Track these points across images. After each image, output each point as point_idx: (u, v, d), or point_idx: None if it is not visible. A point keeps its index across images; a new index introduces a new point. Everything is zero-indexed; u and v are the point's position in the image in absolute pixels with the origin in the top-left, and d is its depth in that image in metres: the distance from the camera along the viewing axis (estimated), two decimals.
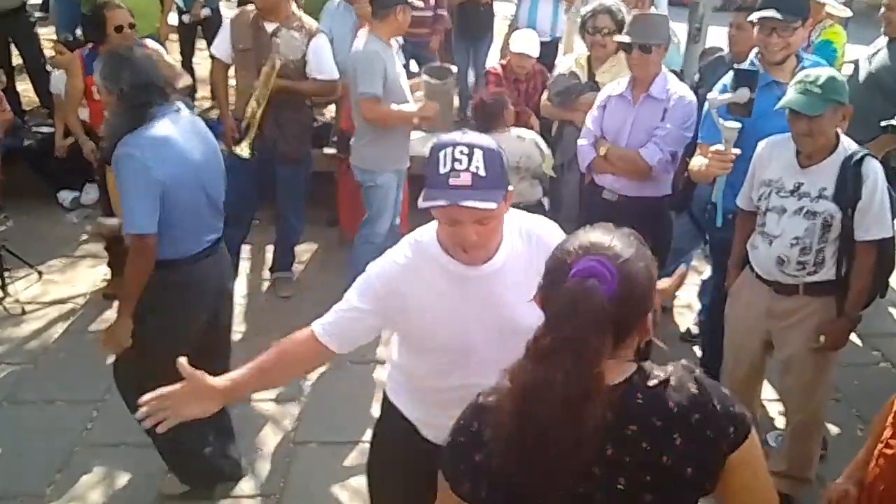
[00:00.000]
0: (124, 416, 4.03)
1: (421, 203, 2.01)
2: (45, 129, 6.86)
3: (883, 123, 3.87)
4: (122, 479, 3.66)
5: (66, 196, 6.68)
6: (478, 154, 2.00)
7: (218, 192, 3.27)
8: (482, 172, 1.99)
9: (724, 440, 1.56)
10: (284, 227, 5.39)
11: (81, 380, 4.37)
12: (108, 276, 5.42)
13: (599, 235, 1.56)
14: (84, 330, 4.92)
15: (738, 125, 3.34)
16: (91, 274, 5.64)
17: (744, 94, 3.36)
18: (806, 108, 3.04)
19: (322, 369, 4.52)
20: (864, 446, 2.33)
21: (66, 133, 6.19)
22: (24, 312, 5.09)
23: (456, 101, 7.12)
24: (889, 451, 2.16)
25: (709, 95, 3.56)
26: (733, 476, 1.58)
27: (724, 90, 3.54)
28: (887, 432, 2.20)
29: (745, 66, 3.71)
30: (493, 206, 2.00)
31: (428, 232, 2.23)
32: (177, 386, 2.11)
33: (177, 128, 3.09)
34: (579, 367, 1.43)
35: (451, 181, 1.97)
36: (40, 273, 5.50)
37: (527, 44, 5.67)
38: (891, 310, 5.21)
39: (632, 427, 1.52)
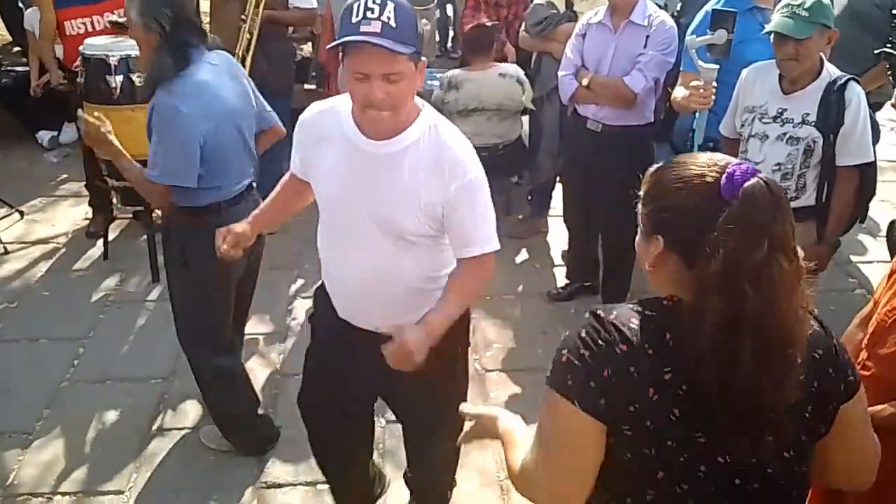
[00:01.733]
0: (110, 353, 4.10)
1: (328, 45, 2.04)
2: (19, 69, 6.75)
3: (877, 51, 3.86)
4: (110, 414, 3.68)
5: (44, 136, 6.61)
6: (390, 6, 2.03)
7: (251, 134, 3.21)
8: (393, 24, 2.01)
9: (842, 382, 1.50)
10: (268, 161, 5.33)
11: (65, 318, 4.38)
12: (90, 215, 5.40)
13: (709, 154, 1.46)
14: (67, 269, 4.92)
15: (716, 66, 3.34)
16: (73, 213, 5.61)
17: (721, 35, 3.36)
18: (794, 31, 3.02)
19: (305, 303, 4.54)
20: None
21: (41, 72, 6.09)
22: (6, 252, 5.08)
23: (436, 33, 7.03)
24: (866, 373, 2.18)
25: (687, 37, 3.54)
26: (844, 428, 1.52)
27: (702, 32, 3.50)
28: (862, 354, 2.23)
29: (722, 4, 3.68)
30: (402, 51, 2.02)
31: (345, 101, 2.25)
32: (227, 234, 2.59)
33: (214, 71, 3.00)
34: (794, 268, 1.36)
35: (363, 28, 2.00)
36: (22, 213, 5.46)
37: None
38: (867, 237, 5.26)
39: (818, 351, 1.47)
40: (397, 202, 2.22)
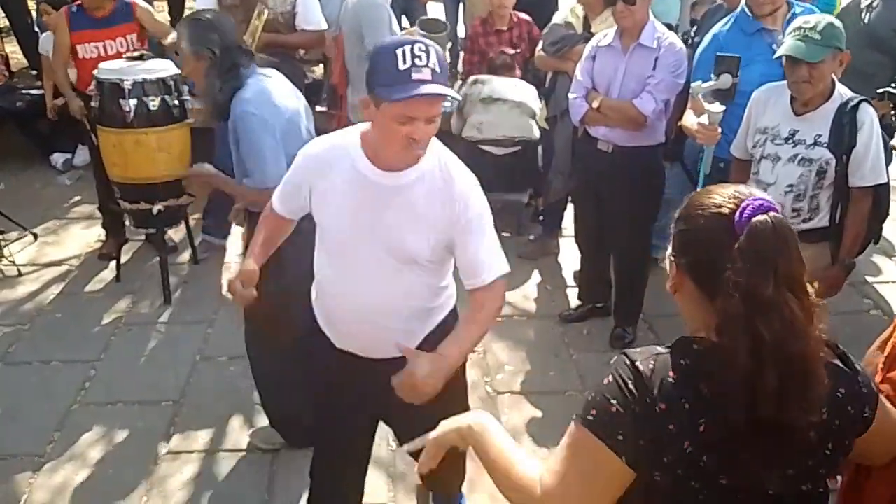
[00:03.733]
0: (121, 376, 4.10)
1: (391, 97, 2.05)
2: (34, 92, 6.81)
3: (880, 91, 3.86)
4: (120, 436, 3.68)
5: (58, 158, 6.66)
6: (433, 52, 2.09)
7: (311, 135, 3.29)
8: (438, 69, 2.08)
9: (861, 420, 1.55)
10: None
11: (77, 340, 4.39)
12: (103, 237, 5.42)
13: (734, 186, 1.51)
14: (80, 291, 4.93)
15: (722, 108, 3.36)
16: (85, 235, 5.63)
17: (726, 80, 3.39)
18: (806, 54, 3.03)
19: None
20: None
21: (56, 94, 6.15)
22: (19, 274, 5.09)
23: (448, 57, 7.06)
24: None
25: (692, 84, 3.55)
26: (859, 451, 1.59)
27: (706, 77, 3.51)
28: (877, 377, 2.21)
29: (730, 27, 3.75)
30: (452, 95, 2.12)
31: (351, 135, 2.33)
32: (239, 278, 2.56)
33: (271, 82, 3.14)
34: (804, 307, 1.40)
35: (415, 76, 2.04)
36: (35, 235, 5.49)
37: None
38: (882, 258, 5.22)
39: (841, 390, 1.50)
40: (411, 230, 2.27)
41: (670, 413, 1.42)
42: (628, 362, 1.48)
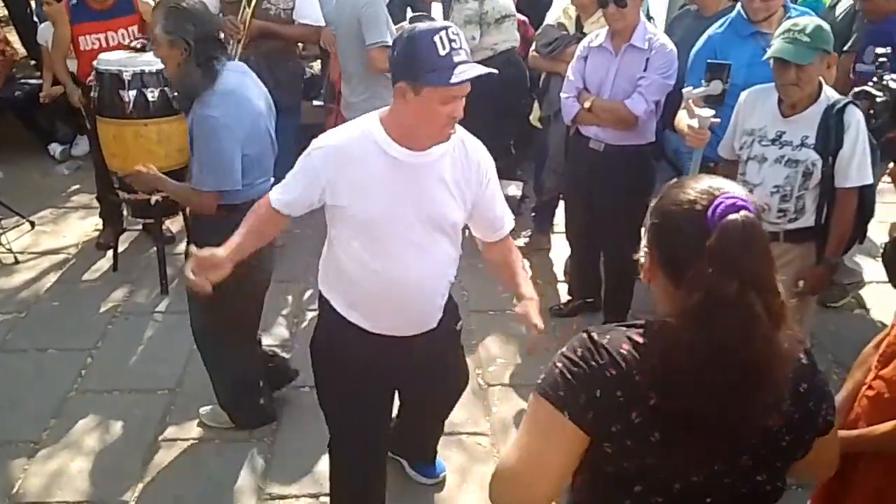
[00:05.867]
0: (117, 364, 4.15)
1: (443, 82, 2.23)
2: (32, 81, 6.84)
3: (856, 90, 3.93)
4: (116, 424, 3.73)
5: (56, 148, 6.69)
6: (461, 35, 2.31)
7: (273, 136, 3.37)
8: (468, 49, 2.32)
9: (820, 417, 1.58)
10: (277, 179, 5.40)
11: (74, 328, 4.44)
12: (100, 227, 5.46)
13: (709, 179, 1.52)
14: (77, 280, 4.97)
15: (711, 112, 3.40)
16: (82, 225, 5.67)
17: (717, 86, 3.41)
18: (795, 56, 3.06)
19: (312, 315, 4.59)
20: (842, 389, 2.39)
21: (54, 84, 6.18)
22: (16, 262, 5.14)
23: None
24: (871, 392, 2.21)
25: (684, 90, 3.59)
26: (817, 453, 1.61)
27: (697, 82, 3.56)
28: (870, 375, 2.26)
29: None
30: (493, 72, 2.33)
31: (366, 126, 2.46)
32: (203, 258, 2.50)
33: (241, 79, 3.17)
34: (770, 308, 1.41)
35: (455, 59, 2.24)
36: (33, 223, 5.52)
37: None
38: (865, 258, 5.28)
39: (804, 385, 1.54)
40: (449, 199, 2.51)
41: (619, 380, 1.46)
42: (586, 335, 1.54)
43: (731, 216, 1.40)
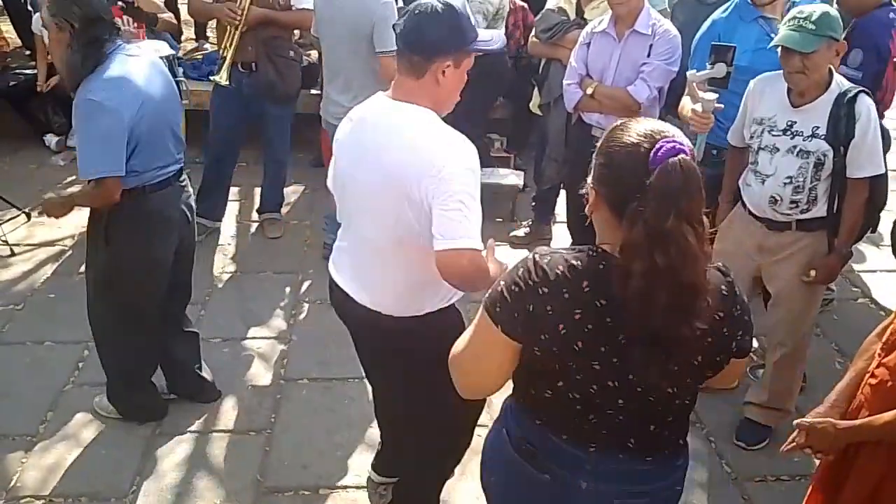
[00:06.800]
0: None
1: (488, 47, 2.35)
2: (27, 71, 6.78)
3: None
4: (113, 417, 3.68)
5: (51, 139, 6.64)
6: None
7: (177, 124, 3.33)
8: None
9: (735, 342, 1.77)
10: (273, 168, 5.37)
11: (70, 321, 4.38)
12: None
13: (650, 123, 1.68)
14: (72, 272, 4.92)
15: (715, 95, 3.39)
16: (78, 217, 5.53)
17: (721, 69, 3.40)
18: (800, 44, 3.00)
19: (308, 307, 4.56)
20: (844, 377, 2.37)
21: (49, 74, 6.13)
22: (12, 254, 5.10)
23: None
24: (874, 381, 2.21)
25: (688, 73, 3.58)
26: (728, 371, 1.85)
27: (701, 65, 3.53)
28: (874, 363, 2.24)
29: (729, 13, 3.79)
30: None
31: (431, 120, 2.35)
32: None
33: (134, 63, 3.09)
34: (698, 236, 1.58)
35: (478, 27, 2.36)
36: (28, 215, 5.48)
37: None
38: (870, 246, 5.26)
39: (720, 313, 1.71)
40: None
41: (550, 296, 1.67)
42: (530, 256, 1.74)
43: (671, 159, 1.57)
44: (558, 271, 1.67)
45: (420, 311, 2.52)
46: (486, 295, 1.77)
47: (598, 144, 1.73)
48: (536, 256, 1.72)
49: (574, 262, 1.68)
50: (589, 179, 1.75)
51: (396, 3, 4.35)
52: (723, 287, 1.74)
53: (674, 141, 1.60)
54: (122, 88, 3.00)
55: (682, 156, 1.58)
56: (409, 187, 2.25)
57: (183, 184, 3.38)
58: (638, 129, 1.65)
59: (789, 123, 3.19)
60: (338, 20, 4.33)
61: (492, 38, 2.37)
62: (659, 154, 1.58)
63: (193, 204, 3.52)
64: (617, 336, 1.66)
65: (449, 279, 2.27)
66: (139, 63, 3.12)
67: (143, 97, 3.06)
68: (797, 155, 3.18)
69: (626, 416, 1.76)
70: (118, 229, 3.21)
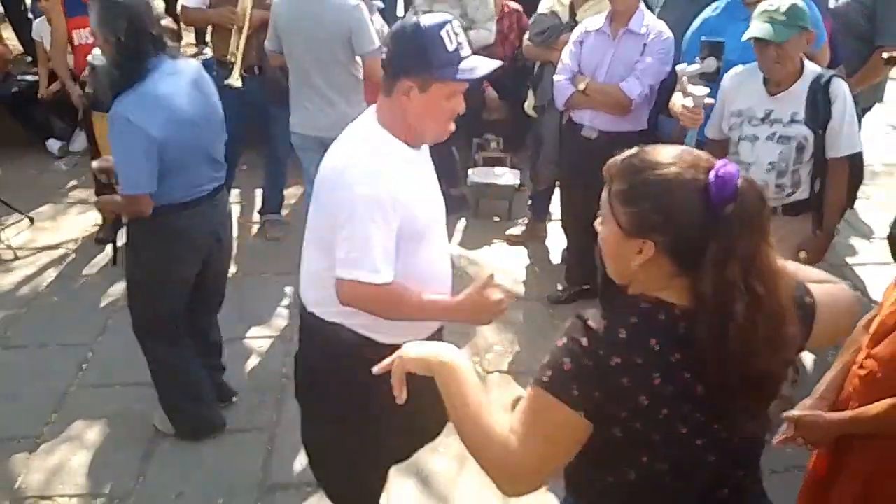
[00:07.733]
0: (117, 359, 4.15)
1: (456, 77, 2.19)
2: (29, 77, 6.83)
3: (885, 55, 3.98)
4: (117, 419, 3.74)
5: (54, 144, 6.69)
6: (461, 27, 2.25)
7: (215, 145, 3.27)
8: (466, 42, 2.26)
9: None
10: (274, 169, 5.42)
11: (74, 324, 4.45)
12: (99, 222, 5.46)
13: (674, 150, 1.51)
14: (76, 275, 4.98)
15: (706, 91, 3.42)
16: (81, 220, 5.68)
17: (710, 63, 3.43)
18: (773, 35, 3.12)
19: None
20: (831, 369, 2.39)
21: (51, 80, 6.18)
22: (15, 258, 5.15)
23: None
24: (862, 372, 2.22)
25: (678, 67, 3.60)
26: None
27: (692, 61, 3.57)
28: (861, 354, 2.27)
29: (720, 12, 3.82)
30: (497, 63, 2.29)
31: (370, 130, 2.31)
32: None
33: (173, 82, 3.03)
34: (773, 266, 1.45)
35: (462, 53, 2.21)
36: (31, 219, 5.53)
37: None
38: (861, 240, 5.30)
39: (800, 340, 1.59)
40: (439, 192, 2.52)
41: (624, 367, 1.45)
42: (580, 323, 1.50)
43: (739, 181, 1.41)
44: (622, 336, 1.47)
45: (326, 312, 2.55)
46: (547, 378, 1.50)
47: (621, 187, 1.52)
48: (590, 323, 1.49)
49: (632, 320, 1.49)
50: (608, 231, 1.57)
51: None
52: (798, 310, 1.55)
53: (725, 162, 1.44)
54: (152, 108, 2.94)
55: (741, 172, 1.42)
56: (325, 197, 2.32)
57: (217, 203, 3.33)
58: (674, 159, 1.47)
59: (767, 112, 3.30)
60: (312, 31, 4.25)
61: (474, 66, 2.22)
62: (726, 180, 1.40)
63: (231, 221, 3.54)
64: (695, 390, 1.47)
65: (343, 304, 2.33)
66: (178, 82, 3.05)
67: (174, 118, 2.99)
68: (777, 141, 3.29)
69: (716, 469, 1.58)
70: (140, 241, 3.26)
